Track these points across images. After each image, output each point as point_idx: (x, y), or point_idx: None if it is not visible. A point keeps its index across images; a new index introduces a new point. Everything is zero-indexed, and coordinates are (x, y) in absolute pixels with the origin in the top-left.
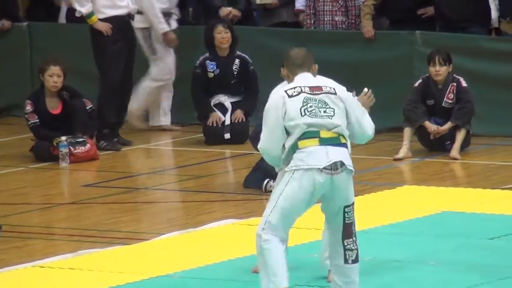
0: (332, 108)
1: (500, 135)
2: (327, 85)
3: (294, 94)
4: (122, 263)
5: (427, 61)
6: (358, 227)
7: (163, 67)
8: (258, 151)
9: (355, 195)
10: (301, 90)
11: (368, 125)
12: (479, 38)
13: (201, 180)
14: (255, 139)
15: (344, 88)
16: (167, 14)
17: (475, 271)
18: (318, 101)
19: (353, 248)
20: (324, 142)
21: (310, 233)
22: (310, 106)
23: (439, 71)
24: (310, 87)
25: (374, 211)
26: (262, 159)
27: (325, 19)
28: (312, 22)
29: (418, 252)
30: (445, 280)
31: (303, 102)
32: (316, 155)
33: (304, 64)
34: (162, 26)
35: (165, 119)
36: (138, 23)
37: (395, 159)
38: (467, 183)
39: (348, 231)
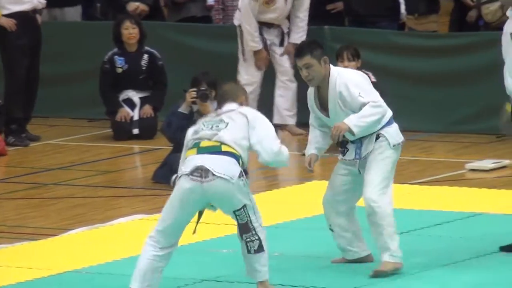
0: (226, 123)
1: (410, 130)
2: (238, 110)
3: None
4: (30, 258)
5: (335, 57)
6: (267, 222)
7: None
8: (172, 139)
9: (264, 190)
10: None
11: (270, 148)
12: (388, 33)
13: (109, 175)
14: (168, 127)
15: (260, 114)
16: None
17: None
18: (216, 120)
19: (254, 239)
20: (201, 151)
21: (220, 228)
22: (204, 124)
23: (348, 66)
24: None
25: (283, 205)
26: (170, 154)
27: (234, 14)
28: (221, 17)
29: (328, 247)
30: (354, 274)
31: (202, 123)
32: (189, 162)
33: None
34: (252, 44)
35: None
36: (235, 20)
37: (303, 154)
38: None
39: (244, 228)
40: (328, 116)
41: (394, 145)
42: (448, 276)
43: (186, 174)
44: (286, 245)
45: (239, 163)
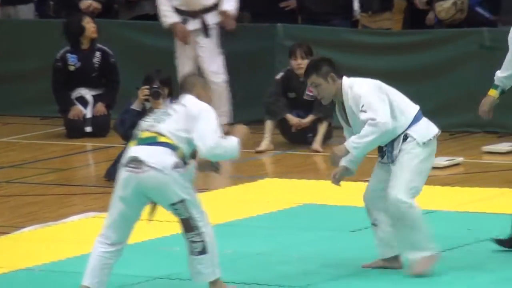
0: (169, 114)
1: None
2: (183, 102)
3: None
4: None
5: (288, 54)
6: (219, 220)
7: None
8: (125, 136)
9: (219, 188)
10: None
11: (206, 143)
12: (341, 31)
13: (62, 173)
14: (121, 125)
15: (205, 107)
16: None
17: (336, 263)
18: (162, 112)
19: (197, 240)
20: (139, 142)
21: (172, 226)
22: (150, 116)
23: (301, 64)
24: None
25: (235, 204)
26: (123, 152)
27: None
28: None
29: (280, 245)
30: (306, 272)
31: (149, 115)
32: (127, 153)
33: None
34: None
35: None
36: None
37: (257, 152)
38: (329, 176)
39: (186, 226)
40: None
41: (424, 143)
42: (401, 273)
43: (123, 165)
44: (239, 243)
45: (176, 154)
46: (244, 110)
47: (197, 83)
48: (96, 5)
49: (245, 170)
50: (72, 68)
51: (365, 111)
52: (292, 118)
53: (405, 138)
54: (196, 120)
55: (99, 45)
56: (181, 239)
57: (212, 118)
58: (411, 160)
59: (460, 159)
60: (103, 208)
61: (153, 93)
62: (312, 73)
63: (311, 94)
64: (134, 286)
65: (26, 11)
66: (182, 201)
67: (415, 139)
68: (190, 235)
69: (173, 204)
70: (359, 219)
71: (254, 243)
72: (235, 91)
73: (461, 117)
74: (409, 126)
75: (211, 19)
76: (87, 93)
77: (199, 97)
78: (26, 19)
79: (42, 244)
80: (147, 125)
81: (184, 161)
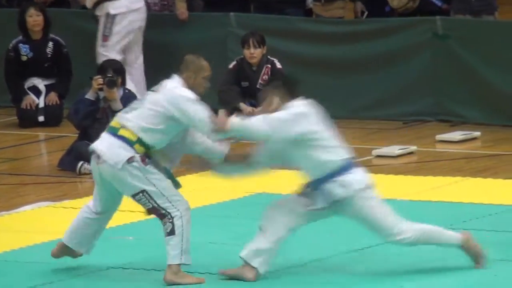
0: (142, 104)
1: None
2: (163, 87)
3: None
4: None
5: (241, 44)
6: None
7: None
8: (78, 126)
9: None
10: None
11: (195, 114)
12: (294, 20)
13: (14, 163)
14: (75, 114)
15: (180, 93)
16: None
17: (289, 253)
18: (138, 101)
19: (167, 221)
20: (107, 130)
21: (125, 215)
22: (130, 105)
23: (254, 53)
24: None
25: (189, 193)
26: (76, 141)
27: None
28: None
29: (233, 234)
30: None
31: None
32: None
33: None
34: None
35: None
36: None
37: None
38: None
39: (155, 213)
40: None
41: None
42: (352, 263)
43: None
44: (192, 232)
45: (133, 147)
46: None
47: (191, 66)
48: None
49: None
50: (24, 58)
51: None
52: (245, 107)
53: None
54: (168, 105)
55: (51, 35)
56: (135, 228)
57: (189, 107)
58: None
59: (413, 147)
60: (57, 198)
61: (107, 82)
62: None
63: (264, 83)
64: (87, 275)
65: None
66: (142, 192)
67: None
68: (163, 222)
69: (134, 196)
70: None
71: (207, 232)
72: None
73: (414, 105)
74: (341, 172)
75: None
76: (40, 83)
77: (187, 79)
78: None
79: None
80: (120, 113)
81: (146, 155)
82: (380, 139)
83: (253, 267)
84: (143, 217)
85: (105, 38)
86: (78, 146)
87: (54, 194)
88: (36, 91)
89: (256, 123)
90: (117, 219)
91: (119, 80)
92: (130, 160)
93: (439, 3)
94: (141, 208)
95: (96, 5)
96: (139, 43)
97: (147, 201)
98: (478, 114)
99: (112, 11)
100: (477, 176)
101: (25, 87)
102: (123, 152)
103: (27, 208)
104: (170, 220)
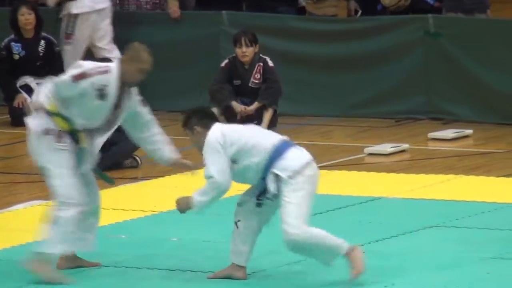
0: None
1: (307, 114)
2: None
3: None
4: None
5: (233, 42)
6: (166, 208)
7: None
8: None
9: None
10: None
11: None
12: (286, 18)
13: (6, 161)
14: None
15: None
16: None
17: (279, 251)
18: None
19: (54, 209)
20: None
21: (118, 213)
22: None
23: (246, 52)
24: None
25: (181, 191)
26: None
27: None
28: (118, 1)
29: (227, 232)
30: (253, 259)
31: None
32: None
33: None
34: None
35: None
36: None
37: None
38: None
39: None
40: None
41: (290, 176)
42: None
43: None
44: (185, 230)
45: (53, 121)
46: (189, 98)
47: (130, 52)
48: None
49: (190, 158)
50: (16, 56)
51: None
52: (237, 106)
53: (277, 178)
54: None
55: (43, 34)
56: (127, 226)
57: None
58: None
59: (405, 145)
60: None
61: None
62: (183, 127)
63: (256, 81)
64: (79, 273)
65: None
66: (41, 168)
67: (283, 178)
68: (54, 203)
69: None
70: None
71: (200, 231)
72: None
73: (406, 103)
74: (273, 162)
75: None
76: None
77: (123, 63)
78: None
79: None
80: None
81: (70, 131)
82: (372, 137)
83: (241, 266)
84: (136, 215)
85: (68, 36)
86: None
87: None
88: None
89: (202, 190)
90: (110, 217)
91: None
92: (45, 132)
93: (430, 1)
94: (134, 206)
95: (58, 5)
96: (107, 38)
97: (45, 178)
98: (470, 112)
99: (75, 10)
100: (470, 174)
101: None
102: (41, 122)
103: (19, 206)
104: (55, 209)
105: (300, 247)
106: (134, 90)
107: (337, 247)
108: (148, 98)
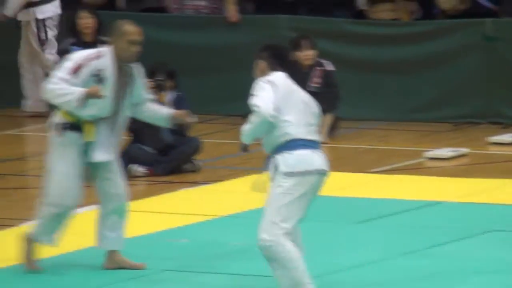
0: None
1: (366, 119)
2: None
3: None
4: None
5: (292, 46)
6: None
7: None
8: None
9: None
10: None
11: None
12: (343, 22)
13: None
14: None
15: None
16: None
17: (341, 255)
18: None
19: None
20: None
21: (178, 218)
22: None
23: (308, 55)
24: None
25: (244, 195)
26: (129, 144)
27: (188, 3)
28: (177, 6)
29: None
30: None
31: None
32: None
33: None
34: None
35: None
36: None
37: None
38: (335, 167)
39: None
40: None
41: (286, 173)
42: (407, 265)
43: None
44: (248, 235)
45: (58, 114)
46: (247, 103)
47: (113, 32)
48: None
49: (253, 162)
50: None
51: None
52: None
53: (276, 167)
54: None
55: (103, 38)
56: (188, 231)
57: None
58: (275, 193)
59: (465, 150)
60: None
61: (157, 85)
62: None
63: (315, 86)
64: (141, 279)
65: None
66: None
67: (279, 171)
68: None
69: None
70: (365, 210)
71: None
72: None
73: (465, 108)
74: (283, 149)
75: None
76: None
77: (113, 46)
78: None
79: None
80: None
81: (70, 124)
82: (432, 142)
83: None
84: (197, 220)
85: (43, 41)
86: (130, 149)
87: None
88: None
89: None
90: (171, 222)
91: (170, 83)
92: (54, 127)
93: (489, 5)
94: (195, 211)
95: (19, 11)
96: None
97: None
98: None
99: (40, 16)
100: None
101: None
102: (53, 118)
103: (78, 211)
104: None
105: (270, 257)
106: (138, 71)
107: (300, 285)
108: (207, 102)
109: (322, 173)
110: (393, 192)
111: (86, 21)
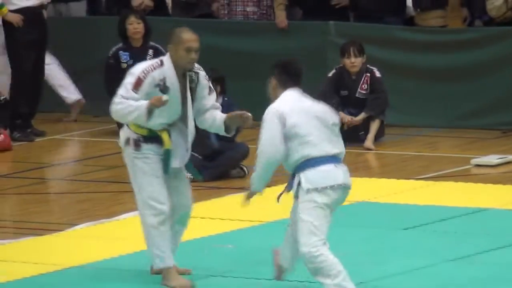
0: None
1: (413, 125)
2: None
3: None
4: (36, 254)
5: (340, 53)
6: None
7: None
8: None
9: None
10: None
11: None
12: (393, 29)
13: (114, 170)
14: None
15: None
16: None
17: (388, 262)
18: None
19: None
20: None
21: (225, 223)
22: None
23: (354, 62)
24: None
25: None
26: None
27: (237, 9)
28: (226, 12)
29: (332, 242)
30: (357, 270)
31: None
32: None
33: None
34: None
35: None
36: None
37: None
38: (381, 174)
39: None
40: None
41: (309, 189)
42: (453, 272)
43: None
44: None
45: (129, 129)
46: None
47: (171, 38)
48: (148, 2)
49: None
50: (124, 65)
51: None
52: (344, 116)
53: (299, 185)
54: None
55: (152, 43)
56: (234, 236)
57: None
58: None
59: None
60: None
61: None
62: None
63: (363, 92)
64: None
65: (78, 8)
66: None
67: (302, 188)
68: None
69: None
70: (411, 217)
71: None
72: None
73: None
74: (305, 167)
75: None
76: None
77: (171, 53)
78: (78, 17)
79: (95, 241)
80: None
81: (143, 137)
82: (479, 148)
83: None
84: (243, 225)
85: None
86: None
87: None
88: None
89: (258, 165)
90: (217, 227)
91: (218, 89)
92: (126, 141)
93: None
94: (241, 216)
95: None
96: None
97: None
98: None
99: None
100: None
101: None
102: (123, 133)
103: (126, 216)
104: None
105: (314, 268)
106: (203, 77)
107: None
108: (255, 107)
109: (345, 188)
110: (439, 199)
111: (135, 26)
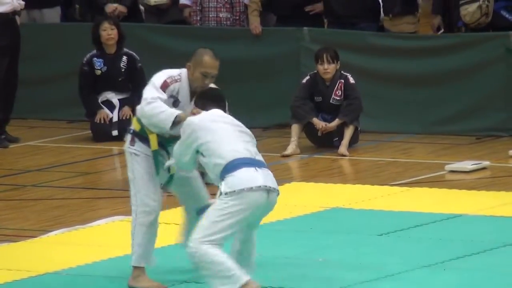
0: None
1: (388, 131)
2: None
3: None
4: (9, 260)
5: (314, 59)
6: None
7: None
8: None
9: None
10: None
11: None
12: (367, 35)
13: (88, 177)
14: None
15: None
16: None
17: (363, 267)
18: None
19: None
20: None
21: None
22: None
23: (328, 69)
24: None
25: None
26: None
27: (210, 15)
28: (199, 18)
29: (307, 249)
30: (332, 277)
31: None
32: None
33: None
34: None
35: None
36: None
37: (283, 156)
38: (356, 180)
39: None
40: None
41: (226, 193)
42: (428, 278)
43: None
44: (266, 247)
45: (133, 126)
46: (270, 114)
47: (193, 58)
48: (122, 8)
49: (276, 173)
50: (98, 72)
51: None
52: (318, 122)
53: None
54: None
55: (125, 50)
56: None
57: (151, 81)
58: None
59: (486, 163)
60: (130, 212)
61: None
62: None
63: (337, 98)
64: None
65: (52, 15)
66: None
67: (221, 191)
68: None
69: None
70: (386, 223)
71: (281, 247)
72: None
73: (487, 121)
74: (224, 173)
75: None
76: (114, 97)
77: (188, 69)
78: (52, 23)
79: (69, 248)
80: None
81: (137, 133)
82: (453, 154)
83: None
84: None
85: None
86: None
87: (128, 208)
88: (110, 105)
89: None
90: None
91: None
92: (130, 141)
93: (511, 18)
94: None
95: None
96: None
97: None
98: None
99: None
100: None
101: (99, 101)
102: (129, 134)
103: (100, 222)
104: (133, 220)
105: (197, 263)
106: None
107: (232, 278)
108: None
109: (267, 190)
110: (413, 205)
111: (108, 32)
